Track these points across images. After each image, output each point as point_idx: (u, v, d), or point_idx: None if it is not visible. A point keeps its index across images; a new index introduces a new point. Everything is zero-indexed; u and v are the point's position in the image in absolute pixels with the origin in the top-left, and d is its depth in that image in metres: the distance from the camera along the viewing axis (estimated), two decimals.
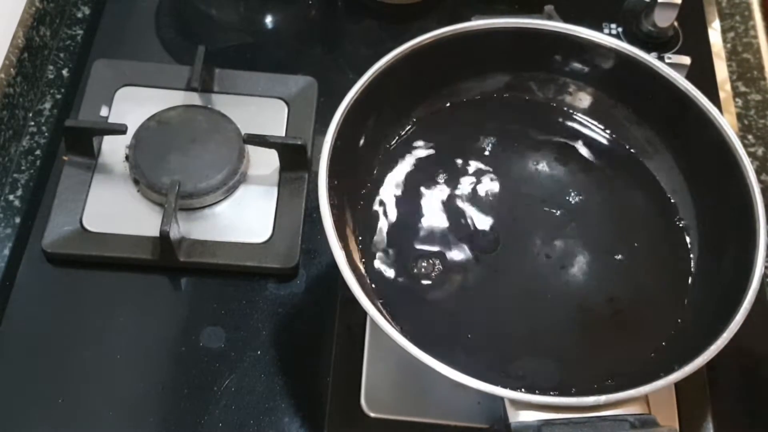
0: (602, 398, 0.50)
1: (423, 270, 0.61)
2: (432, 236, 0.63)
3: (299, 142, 0.70)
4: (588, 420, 0.49)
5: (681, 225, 0.64)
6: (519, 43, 0.66)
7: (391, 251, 0.62)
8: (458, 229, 0.63)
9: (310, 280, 0.67)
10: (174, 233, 0.64)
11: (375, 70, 0.61)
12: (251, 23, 0.86)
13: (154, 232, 0.65)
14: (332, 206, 0.55)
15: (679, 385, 0.59)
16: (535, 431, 0.49)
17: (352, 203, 0.62)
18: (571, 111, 0.69)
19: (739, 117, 0.80)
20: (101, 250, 0.66)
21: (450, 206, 0.64)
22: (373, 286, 0.59)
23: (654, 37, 0.80)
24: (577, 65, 0.67)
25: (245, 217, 0.69)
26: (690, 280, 0.61)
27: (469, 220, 0.63)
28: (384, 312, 0.55)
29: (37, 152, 0.73)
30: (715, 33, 0.84)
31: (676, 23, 0.80)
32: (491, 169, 0.66)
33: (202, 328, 0.64)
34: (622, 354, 0.59)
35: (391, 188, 0.64)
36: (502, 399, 0.50)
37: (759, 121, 0.80)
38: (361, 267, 0.59)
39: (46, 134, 0.74)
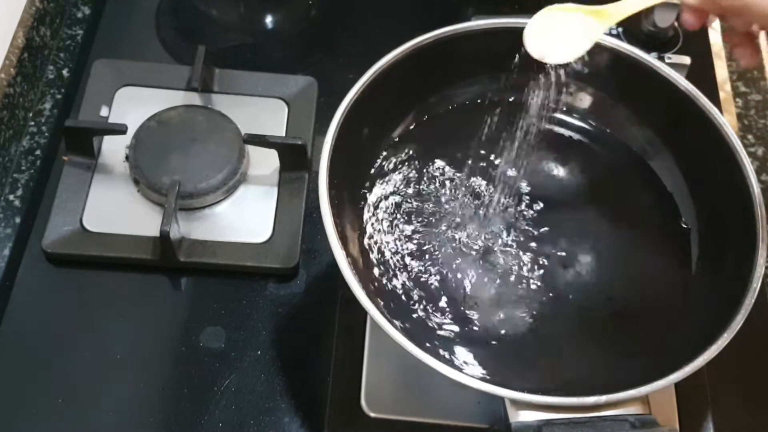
0: (602, 398, 0.50)
1: (423, 270, 0.61)
2: (431, 236, 0.63)
3: (299, 142, 0.70)
4: (588, 420, 0.49)
5: (681, 225, 0.64)
6: (519, 43, 0.66)
7: (390, 251, 0.62)
8: (458, 228, 0.63)
9: (310, 280, 0.67)
10: (174, 233, 0.64)
11: (375, 70, 0.61)
12: (251, 23, 0.86)
13: (154, 232, 0.65)
14: (332, 206, 0.55)
15: (679, 385, 0.59)
16: (536, 431, 0.49)
17: (353, 203, 0.62)
18: (571, 111, 0.69)
19: (739, 117, 0.80)
20: (101, 250, 0.66)
21: (450, 206, 0.64)
22: (374, 286, 0.59)
23: (654, 37, 0.80)
24: (577, 65, 0.66)
25: (245, 217, 0.69)
26: (690, 280, 0.61)
27: (468, 220, 0.64)
28: (384, 312, 0.55)
29: (37, 152, 0.73)
30: (715, 33, 0.84)
31: (676, 23, 0.79)
32: (491, 169, 0.66)
33: (202, 328, 0.64)
34: (622, 354, 0.59)
35: (391, 188, 0.64)
36: (502, 399, 0.50)
37: (759, 121, 0.80)
38: (361, 267, 0.59)
39: (46, 134, 0.74)
